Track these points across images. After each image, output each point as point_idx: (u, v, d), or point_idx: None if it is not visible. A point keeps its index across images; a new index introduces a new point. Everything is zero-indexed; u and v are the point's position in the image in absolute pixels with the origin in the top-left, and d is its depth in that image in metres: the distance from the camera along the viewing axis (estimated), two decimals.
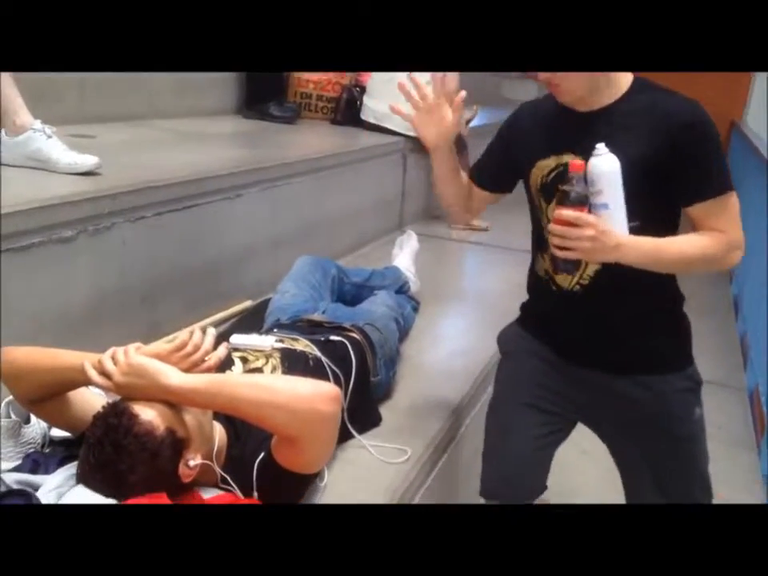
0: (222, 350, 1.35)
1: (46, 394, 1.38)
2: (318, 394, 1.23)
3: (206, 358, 1.33)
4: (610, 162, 1.29)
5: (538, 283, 1.57)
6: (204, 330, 1.35)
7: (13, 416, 1.50)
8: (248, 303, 2.51)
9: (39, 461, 1.35)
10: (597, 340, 1.50)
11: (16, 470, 1.33)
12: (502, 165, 1.59)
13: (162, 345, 1.33)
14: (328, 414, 1.23)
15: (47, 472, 1.30)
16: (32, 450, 1.51)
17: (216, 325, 2.33)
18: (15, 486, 1.21)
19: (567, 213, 1.27)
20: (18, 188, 1.85)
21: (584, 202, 1.28)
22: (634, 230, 1.31)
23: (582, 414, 1.60)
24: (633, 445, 1.55)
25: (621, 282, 1.40)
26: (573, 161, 1.30)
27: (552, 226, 1.29)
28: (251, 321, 2.26)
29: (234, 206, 2.39)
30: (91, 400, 1.41)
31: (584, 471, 2.57)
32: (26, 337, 1.71)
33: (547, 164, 1.44)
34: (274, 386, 1.25)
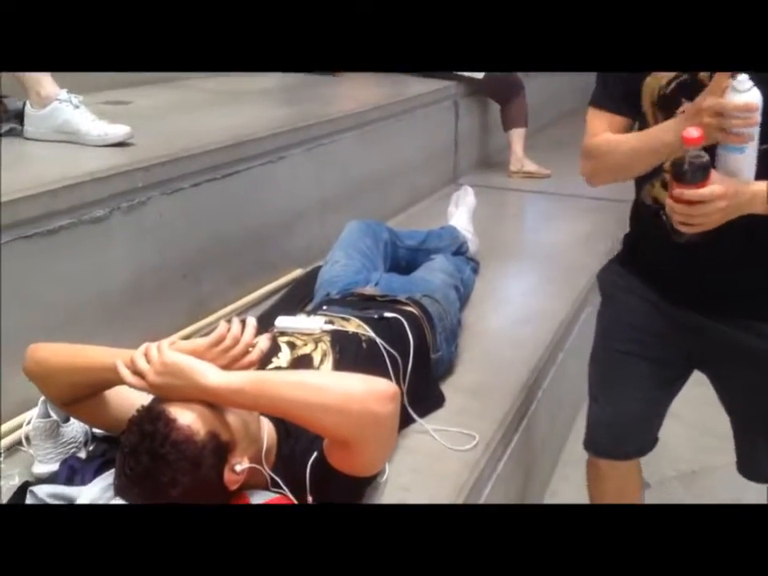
0: (265, 341, 1.22)
1: (79, 395, 1.27)
2: (373, 393, 1.08)
3: (250, 348, 1.19)
4: (753, 97, 1.07)
5: (644, 214, 1.36)
6: (244, 321, 1.21)
7: (53, 415, 1.40)
8: (298, 272, 2.38)
9: (76, 467, 1.25)
10: (712, 281, 1.30)
11: (50, 480, 1.23)
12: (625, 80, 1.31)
13: (199, 340, 1.20)
14: (384, 415, 1.08)
15: (84, 481, 1.19)
16: (74, 450, 1.42)
17: (265, 297, 2.22)
18: (48, 500, 1.11)
19: (691, 193, 1.08)
20: (43, 165, 1.74)
21: (707, 172, 1.08)
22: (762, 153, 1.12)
23: (694, 363, 1.42)
24: (747, 396, 1.38)
25: (745, 217, 1.19)
26: (688, 134, 1.09)
27: (671, 204, 1.12)
28: (302, 291, 2.13)
29: (277, 169, 2.23)
30: (131, 398, 1.28)
31: (674, 434, 2.35)
32: (60, 327, 1.61)
33: (665, 74, 1.22)
34: (323, 385, 1.10)
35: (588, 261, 2.54)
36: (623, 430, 1.48)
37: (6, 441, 1.46)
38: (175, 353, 1.15)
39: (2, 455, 1.42)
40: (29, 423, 1.41)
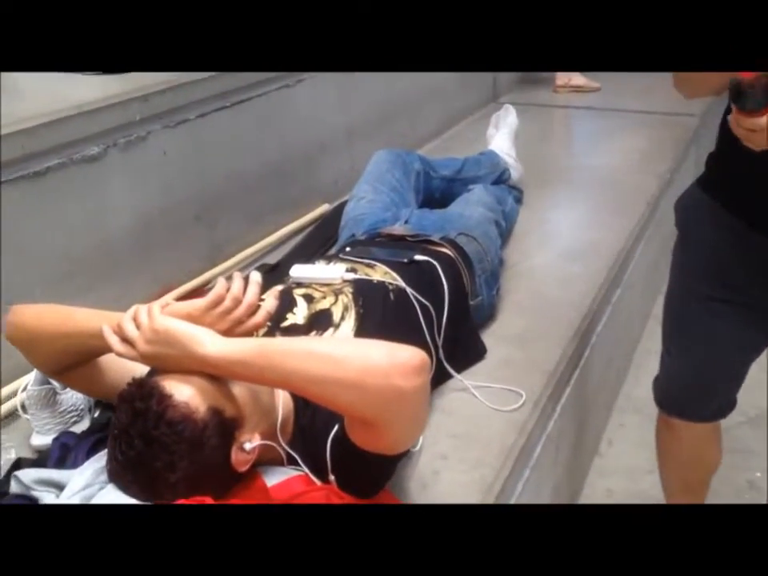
0: (272, 300, 1.04)
1: (68, 363, 1.12)
2: (396, 365, 0.89)
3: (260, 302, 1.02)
4: None
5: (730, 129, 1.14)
6: (247, 277, 1.03)
7: (53, 382, 1.26)
8: (324, 207, 2.19)
9: (70, 445, 1.11)
10: None
11: (40, 462, 1.09)
12: None
13: (195, 302, 1.03)
14: (410, 390, 0.90)
15: (76, 462, 1.05)
16: (75, 419, 1.29)
17: (288, 238, 2.04)
18: (34, 487, 0.97)
19: (750, 122, 0.94)
20: (25, 100, 1.55)
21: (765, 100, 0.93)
22: None
23: None
24: None
25: None
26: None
27: (733, 127, 0.98)
28: (328, 230, 1.94)
29: (295, 94, 2.02)
30: (128, 365, 1.12)
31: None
32: (60, 280, 1.46)
33: None
34: (339, 356, 0.92)
35: (646, 184, 2.29)
36: (704, 390, 1.28)
37: (4, 408, 1.34)
38: (167, 318, 0.98)
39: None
40: (24, 390, 1.28)
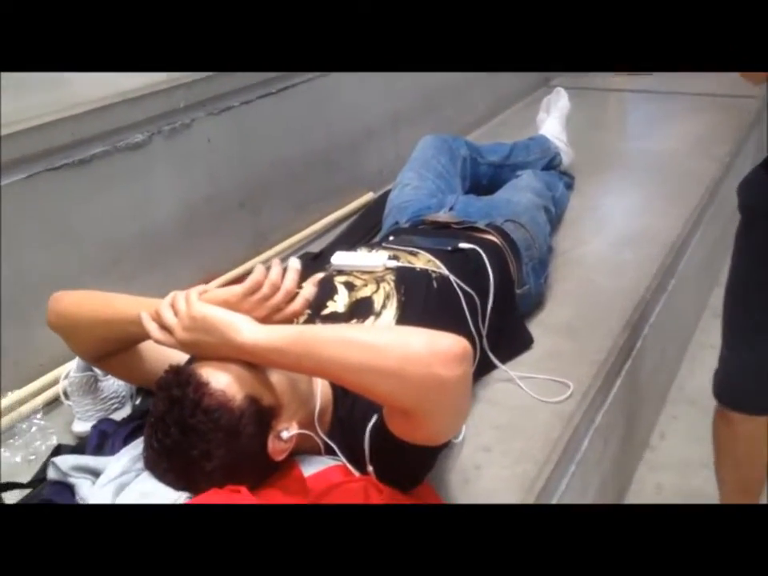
0: (310, 288, 1.01)
1: (108, 350, 1.12)
2: (437, 354, 0.86)
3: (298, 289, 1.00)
4: None
5: None
6: (285, 265, 1.01)
7: (95, 369, 1.27)
8: (369, 196, 2.16)
9: (108, 432, 1.11)
10: None
11: (79, 449, 1.10)
12: None
13: (233, 288, 1.01)
14: (451, 380, 0.87)
15: (113, 450, 1.05)
16: (116, 406, 1.30)
17: (333, 226, 2.02)
18: (72, 474, 0.97)
19: None
20: (68, 87, 1.56)
21: None
22: None
23: None
24: None
25: None
26: None
27: None
28: (372, 219, 1.92)
29: (341, 80, 1.99)
30: (167, 352, 1.11)
31: None
32: (105, 268, 1.48)
33: None
34: (378, 344, 0.89)
35: (704, 170, 2.19)
36: (766, 382, 1.21)
37: (47, 394, 1.36)
38: (205, 305, 0.97)
39: (41, 412, 1.31)
40: (66, 377, 1.29)
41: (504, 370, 1.35)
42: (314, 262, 1.71)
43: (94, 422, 1.22)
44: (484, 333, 1.31)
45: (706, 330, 2.21)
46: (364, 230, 1.86)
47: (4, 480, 1.09)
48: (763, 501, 1.46)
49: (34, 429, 1.29)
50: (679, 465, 1.81)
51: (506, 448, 1.21)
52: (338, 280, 1.27)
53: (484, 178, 1.90)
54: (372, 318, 1.22)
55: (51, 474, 0.99)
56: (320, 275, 1.24)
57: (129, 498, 0.91)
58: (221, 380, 0.94)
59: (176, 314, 0.98)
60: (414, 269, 1.29)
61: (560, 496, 1.21)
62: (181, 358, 1.06)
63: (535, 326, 1.49)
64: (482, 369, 1.33)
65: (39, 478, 1.08)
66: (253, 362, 0.96)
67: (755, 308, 1.20)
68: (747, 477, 1.42)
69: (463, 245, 1.38)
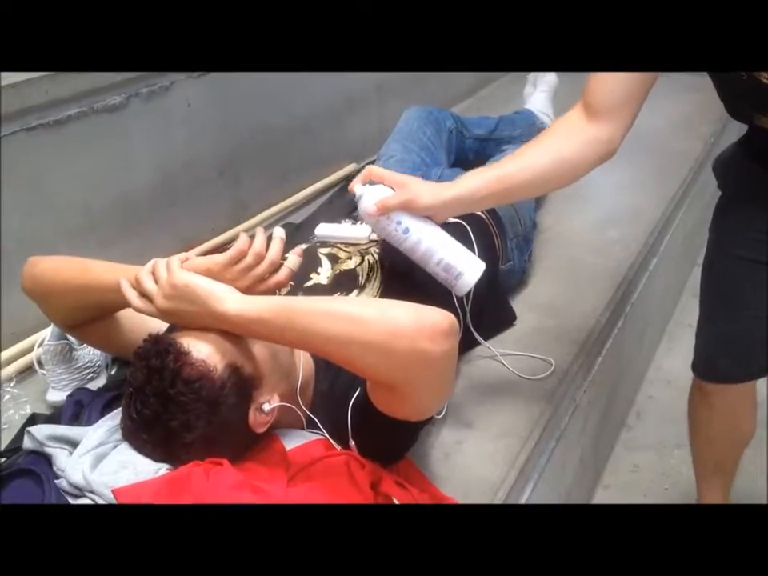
0: (295, 258, 0.99)
1: (85, 317, 1.09)
2: (424, 328, 0.85)
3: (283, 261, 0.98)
4: None
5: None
6: (270, 234, 0.98)
7: (70, 338, 1.24)
8: (352, 167, 2.13)
9: (84, 402, 1.08)
10: None
11: (53, 419, 1.07)
12: None
13: (216, 256, 0.98)
14: (437, 355, 0.85)
15: (90, 420, 1.02)
16: (91, 375, 1.27)
17: (314, 197, 1.98)
18: (47, 444, 0.94)
19: None
20: None
21: None
22: None
23: None
24: None
25: None
26: None
27: None
28: None
29: None
30: (146, 321, 1.08)
31: None
32: (78, 231, 1.43)
33: None
34: (363, 316, 0.87)
35: (689, 149, 2.20)
36: (746, 349, 1.22)
37: (21, 362, 1.32)
38: (187, 272, 0.94)
39: (14, 381, 1.27)
40: (41, 345, 1.25)
41: (487, 346, 1.34)
42: (294, 233, 1.68)
43: (68, 392, 1.19)
44: (467, 308, 1.30)
45: (684, 309, 2.22)
46: (346, 202, 1.82)
47: None
48: (736, 480, 1.47)
49: (6, 397, 1.26)
50: (655, 445, 1.83)
51: (487, 425, 1.20)
52: (322, 252, 1.24)
53: (469, 152, 1.87)
54: (356, 290, 1.20)
55: (27, 444, 0.96)
56: (303, 246, 1.21)
57: (108, 468, 0.89)
58: (202, 350, 0.92)
59: (156, 281, 0.95)
60: None
61: (540, 472, 1.21)
62: (160, 327, 1.04)
63: (518, 304, 1.48)
64: (465, 345, 1.31)
65: (14, 447, 1.05)
66: (234, 332, 0.94)
67: (729, 279, 1.21)
68: (722, 454, 1.43)
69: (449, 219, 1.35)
